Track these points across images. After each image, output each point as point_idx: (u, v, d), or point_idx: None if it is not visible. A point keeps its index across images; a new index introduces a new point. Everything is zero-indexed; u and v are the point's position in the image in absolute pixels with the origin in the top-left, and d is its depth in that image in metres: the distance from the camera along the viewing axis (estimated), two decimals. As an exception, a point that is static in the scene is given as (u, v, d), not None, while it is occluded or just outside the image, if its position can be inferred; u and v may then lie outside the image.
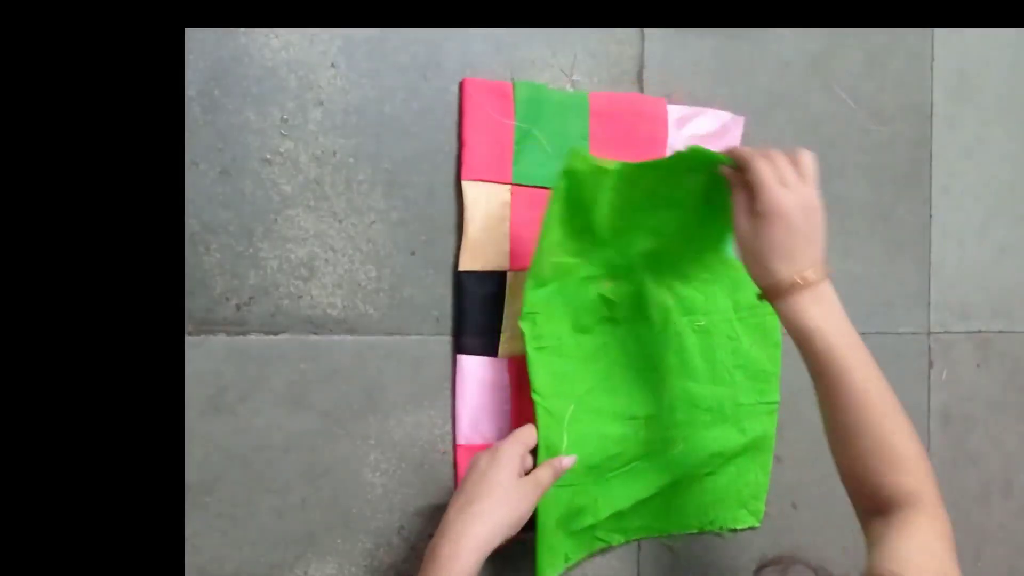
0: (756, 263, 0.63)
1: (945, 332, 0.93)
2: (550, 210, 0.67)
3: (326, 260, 0.67)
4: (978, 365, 0.95)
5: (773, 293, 0.63)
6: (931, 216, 0.91)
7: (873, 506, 0.62)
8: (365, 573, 0.70)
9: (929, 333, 0.92)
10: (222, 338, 0.65)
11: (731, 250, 0.77)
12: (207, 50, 0.63)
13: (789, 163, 0.63)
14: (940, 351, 0.93)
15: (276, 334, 0.66)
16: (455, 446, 0.71)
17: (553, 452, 0.68)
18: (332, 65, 0.67)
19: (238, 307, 0.65)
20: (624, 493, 0.75)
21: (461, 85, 0.70)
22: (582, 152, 0.66)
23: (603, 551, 0.78)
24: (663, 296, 0.75)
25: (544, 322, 0.70)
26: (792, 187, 0.62)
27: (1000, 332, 0.97)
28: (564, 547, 0.73)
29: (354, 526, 0.69)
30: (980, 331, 0.95)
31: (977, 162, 0.94)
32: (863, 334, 0.89)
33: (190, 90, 0.63)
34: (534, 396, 0.68)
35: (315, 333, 0.67)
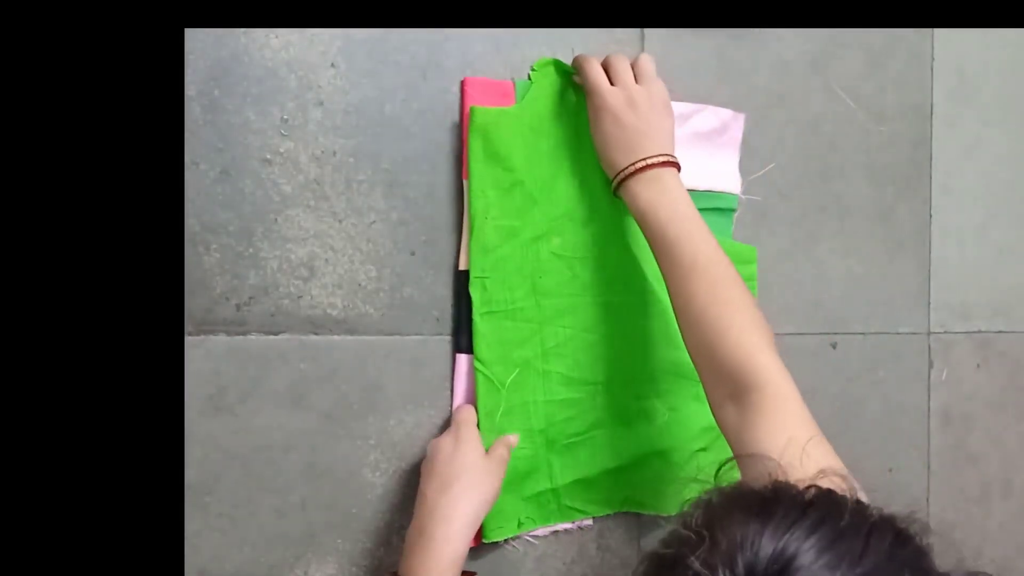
0: (601, 158, 0.70)
1: (945, 332, 0.93)
2: (471, 173, 0.69)
3: (326, 260, 0.67)
4: (978, 365, 0.95)
5: (616, 184, 0.69)
6: (931, 216, 0.91)
7: (721, 385, 0.61)
8: (365, 573, 0.70)
9: (929, 333, 0.92)
10: (222, 338, 0.65)
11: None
12: (207, 50, 0.63)
13: (626, 66, 0.69)
14: (940, 351, 0.93)
15: (276, 334, 0.66)
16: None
17: (491, 418, 0.70)
18: (332, 65, 0.67)
19: (238, 307, 0.65)
20: (589, 460, 0.74)
21: (462, 84, 0.70)
22: (482, 108, 0.69)
23: (603, 548, 0.78)
24: (635, 262, 0.75)
25: (495, 286, 0.70)
26: (623, 85, 0.68)
27: (1000, 332, 0.96)
28: (516, 511, 0.72)
29: (354, 526, 0.69)
30: (980, 331, 0.95)
31: (977, 162, 0.94)
32: (863, 334, 0.89)
33: (190, 90, 0.63)
34: (475, 363, 0.70)
35: (315, 333, 0.67)
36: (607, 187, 0.73)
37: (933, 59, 0.90)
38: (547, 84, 0.72)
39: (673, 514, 0.78)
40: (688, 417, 0.77)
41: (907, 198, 0.90)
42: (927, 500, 0.92)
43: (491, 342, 0.70)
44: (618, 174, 0.68)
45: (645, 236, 0.68)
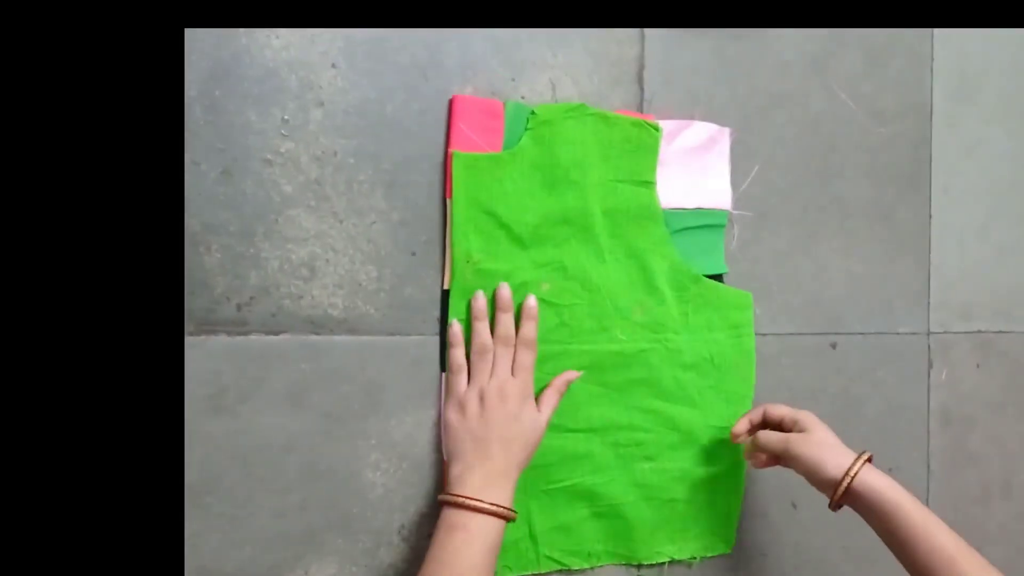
0: (821, 462, 0.70)
1: (945, 332, 0.93)
2: (454, 217, 0.69)
3: (327, 260, 0.67)
4: (978, 365, 0.95)
5: (850, 482, 0.68)
6: (931, 216, 0.91)
7: None
8: (366, 573, 0.70)
9: (929, 333, 0.92)
10: (223, 338, 0.65)
11: (702, 267, 0.78)
12: (208, 50, 0.63)
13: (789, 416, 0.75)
14: (940, 351, 0.93)
15: (277, 334, 0.67)
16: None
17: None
18: (333, 65, 0.67)
19: (239, 307, 0.65)
20: (567, 507, 0.75)
21: (450, 103, 0.70)
22: (464, 154, 0.69)
23: None
24: (623, 312, 0.75)
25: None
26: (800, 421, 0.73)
27: (1000, 332, 0.97)
28: None
29: (354, 526, 0.69)
30: (980, 331, 0.95)
31: (977, 162, 0.94)
32: (863, 334, 0.89)
33: (191, 90, 0.63)
34: None
35: (316, 333, 0.67)
36: (596, 236, 0.74)
37: (933, 59, 0.91)
38: (545, 132, 0.72)
39: (644, 563, 0.78)
40: (664, 466, 0.78)
41: (907, 198, 0.90)
42: (927, 501, 0.92)
43: None
44: (848, 471, 0.68)
45: (886, 527, 0.67)
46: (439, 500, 0.65)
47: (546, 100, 0.73)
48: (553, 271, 0.73)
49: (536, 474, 0.73)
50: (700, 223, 0.78)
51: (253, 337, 0.66)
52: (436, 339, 0.71)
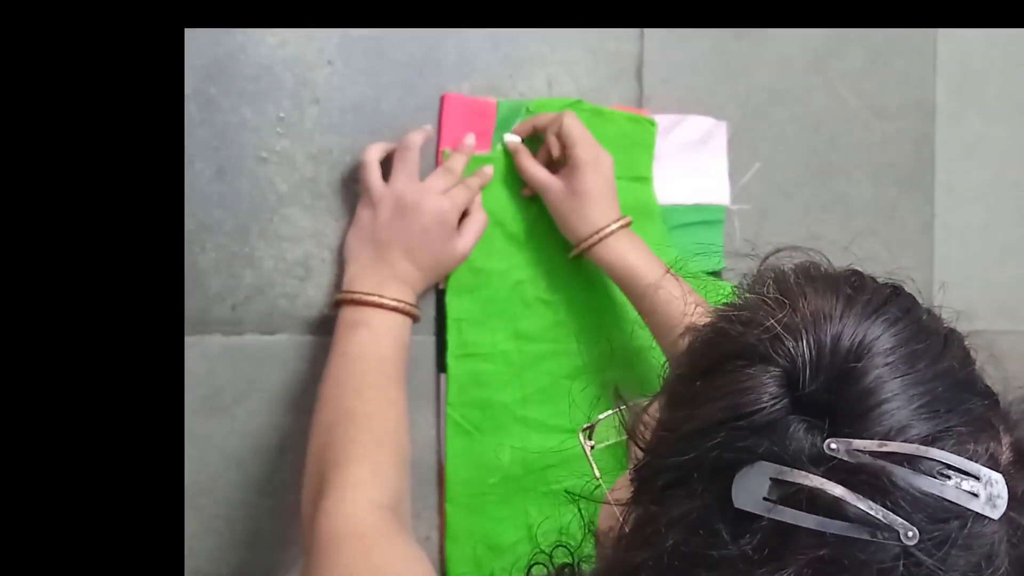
0: (575, 214, 0.69)
1: (948, 332, 0.95)
2: None
3: (322, 260, 0.70)
4: (981, 366, 0.98)
5: (597, 239, 0.69)
6: (934, 215, 0.94)
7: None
8: (361, 575, 0.72)
9: (932, 333, 0.94)
10: (218, 338, 0.67)
11: (701, 264, 0.80)
12: (203, 48, 0.66)
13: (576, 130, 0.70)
14: (943, 352, 0.95)
15: (272, 334, 0.69)
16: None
17: (460, 460, 0.73)
18: (328, 63, 0.69)
19: (234, 307, 0.68)
20: (568, 509, 0.76)
21: (441, 101, 0.72)
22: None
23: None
24: (621, 309, 0.77)
25: (471, 329, 0.73)
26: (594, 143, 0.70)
27: (1003, 332, 0.99)
28: (488, 561, 0.74)
29: (350, 528, 0.71)
30: (983, 331, 0.98)
31: (981, 160, 0.96)
32: (864, 334, 0.91)
33: (186, 88, 0.65)
34: (447, 406, 0.73)
35: (311, 333, 0.70)
36: None
37: (936, 56, 0.93)
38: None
39: None
40: None
41: (910, 197, 0.92)
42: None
43: (463, 384, 0.73)
44: (603, 228, 0.69)
45: (628, 288, 0.70)
46: (335, 300, 0.66)
47: (543, 97, 0.76)
48: (551, 267, 0.75)
49: (535, 476, 0.75)
50: (698, 219, 0.80)
51: (248, 337, 0.68)
52: (432, 339, 0.73)
